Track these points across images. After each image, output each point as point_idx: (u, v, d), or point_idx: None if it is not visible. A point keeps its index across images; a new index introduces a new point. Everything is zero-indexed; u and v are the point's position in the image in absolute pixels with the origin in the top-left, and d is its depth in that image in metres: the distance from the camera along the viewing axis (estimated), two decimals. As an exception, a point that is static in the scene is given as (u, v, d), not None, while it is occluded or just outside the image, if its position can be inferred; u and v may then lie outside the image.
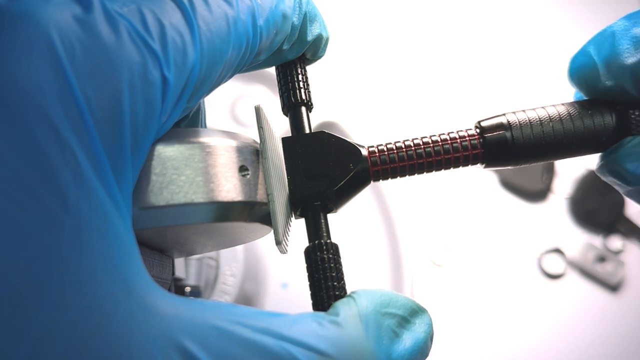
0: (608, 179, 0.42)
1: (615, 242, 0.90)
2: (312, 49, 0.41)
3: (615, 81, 0.39)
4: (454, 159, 0.40)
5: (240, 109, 0.89)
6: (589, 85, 0.41)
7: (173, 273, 0.42)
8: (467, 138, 0.40)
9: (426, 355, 0.35)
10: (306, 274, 0.36)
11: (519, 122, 0.40)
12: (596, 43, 0.40)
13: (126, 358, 0.27)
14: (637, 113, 0.40)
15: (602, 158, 0.42)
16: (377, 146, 0.40)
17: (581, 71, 0.41)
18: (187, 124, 0.41)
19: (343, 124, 0.86)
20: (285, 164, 0.38)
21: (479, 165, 0.41)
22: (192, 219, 0.34)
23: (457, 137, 0.40)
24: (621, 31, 0.39)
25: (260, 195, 0.36)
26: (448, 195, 0.92)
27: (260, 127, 0.36)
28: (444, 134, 0.40)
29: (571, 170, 0.93)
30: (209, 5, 0.33)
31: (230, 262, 0.71)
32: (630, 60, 0.38)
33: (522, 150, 0.40)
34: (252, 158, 0.37)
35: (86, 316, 0.26)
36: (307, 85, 0.41)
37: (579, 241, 0.89)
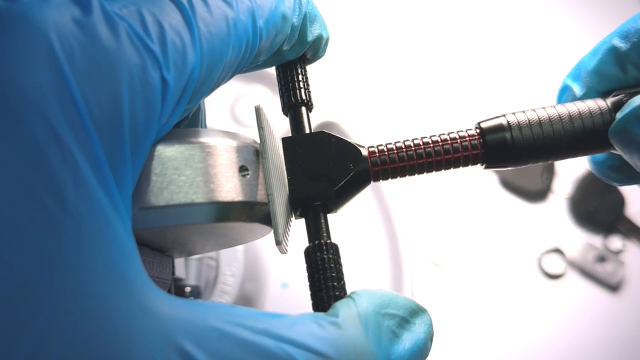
0: (627, 139, 0.40)
1: (615, 242, 0.90)
2: (312, 49, 0.41)
3: (587, 88, 0.44)
4: (454, 159, 0.40)
5: (240, 109, 0.89)
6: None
7: (173, 273, 0.42)
8: (467, 138, 0.40)
9: (426, 355, 0.35)
10: (306, 274, 0.36)
11: (519, 122, 0.40)
12: (569, 74, 0.46)
13: (126, 359, 0.27)
14: (627, 92, 0.42)
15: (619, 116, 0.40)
16: (377, 146, 0.40)
17: (562, 99, 0.46)
18: (187, 124, 0.41)
19: (343, 124, 0.86)
20: (285, 164, 0.38)
21: (479, 165, 0.41)
22: (192, 219, 0.34)
23: (457, 137, 0.40)
24: (585, 55, 0.45)
25: (260, 196, 0.36)
26: (448, 195, 0.92)
27: (260, 127, 0.36)
28: (444, 134, 0.40)
29: (571, 170, 0.93)
30: (209, 7, 0.33)
31: (230, 262, 0.71)
32: (591, 65, 0.44)
33: (522, 150, 0.40)
34: (252, 158, 0.37)
35: (86, 317, 0.26)
36: (307, 85, 0.41)
37: (579, 241, 0.89)
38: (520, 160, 0.41)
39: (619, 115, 0.40)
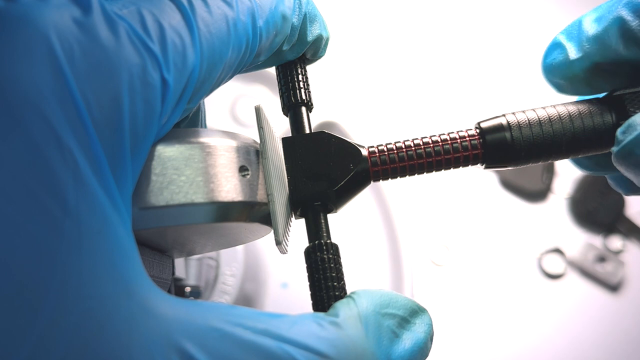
0: (633, 162, 0.39)
1: (615, 242, 0.90)
2: (312, 49, 0.41)
3: (583, 52, 0.41)
4: (454, 159, 0.40)
5: (240, 109, 0.89)
6: (560, 67, 0.42)
7: (173, 273, 0.42)
8: (467, 138, 0.40)
9: (426, 355, 0.35)
10: (306, 274, 0.36)
11: (519, 122, 0.40)
12: (564, 31, 0.42)
13: None
14: (628, 92, 0.40)
15: (622, 138, 0.39)
16: (377, 146, 0.40)
17: (552, 55, 0.42)
18: (187, 124, 0.41)
19: (343, 124, 0.86)
20: (285, 164, 0.38)
21: (479, 165, 0.41)
22: (192, 219, 0.34)
23: (457, 137, 0.40)
24: (586, 17, 0.41)
25: (260, 196, 0.36)
26: (448, 195, 0.92)
27: (260, 127, 0.36)
28: (444, 134, 0.40)
29: (571, 170, 0.93)
30: (209, 7, 0.33)
31: (230, 262, 0.71)
32: (594, 31, 0.40)
33: (522, 150, 0.40)
34: (252, 158, 0.37)
35: (86, 318, 0.26)
36: (307, 85, 0.41)
37: (579, 241, 0.89)
38: (520, 160, 0.41)
39: (621, 136, 0.39)
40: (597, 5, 0.42)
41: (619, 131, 0.39)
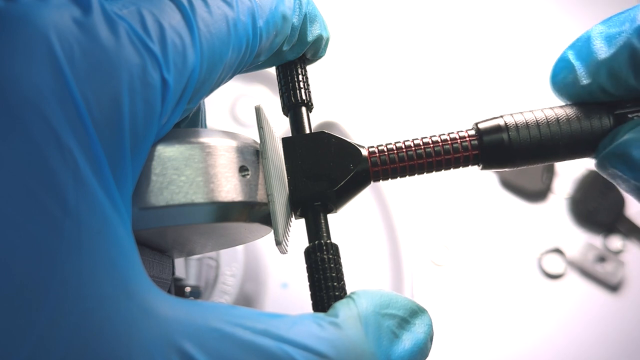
0: (610, 172, 0.40)
1: (615, 242, 0.90)
2: (313, 50, 0.41)
3: (592, 79, 0.40)
4: (453, 159, 0.40)
5: (240, 109, 0.89)
6: (568, 88, 0.41)
7: (173, 273, 0.42)
8: (467, 138, 0.40)
9: (426, 355, 0.35)
10: (306, 274, 0.36)
11: (516, 124, 0.40)
12: (574, 47, 0.41)
13: (126, 360, 0.27)
14: (628, 104, 0.40)
15: (602, 149, 0.40)
16: (377, 146, 0.40)
17: (561, 75, 0.41)
18: (187, 124, 0.41)
19: (343, 124, 0.86)
20: (286, 164, 0.38)
21: (476, 166, 0.41)
22: (192, 219, 0.34)
23: (457, 137, 0.40)
24: (596, 34, 0.40)
25: (261, 196, 0.36)
26: (448, 195, 0.92)
27: (260, 127, 0.36)
28: (443, 134, 0.40)
29: (571, 170, 0.93)
30: (209, 7, 0.33)
31: (230, 262, 0.71)
32: (604, 55, 0.39)
33: (519, 152, 0.40)
34: (252, 158, 0.37)
35: (86, 318, 0.26)
36: (307, 85, 0.41)
37: (579, 241, 0.89)
38: (517, 161, 0.40)
39: (601, 146, 0.39)
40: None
41: (603, 141, 0.39)
